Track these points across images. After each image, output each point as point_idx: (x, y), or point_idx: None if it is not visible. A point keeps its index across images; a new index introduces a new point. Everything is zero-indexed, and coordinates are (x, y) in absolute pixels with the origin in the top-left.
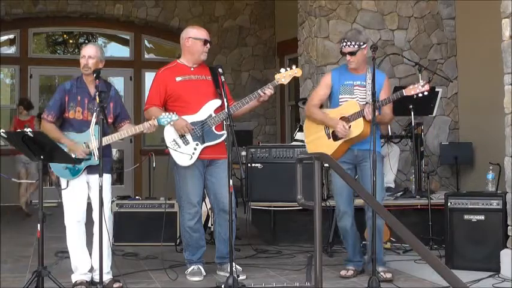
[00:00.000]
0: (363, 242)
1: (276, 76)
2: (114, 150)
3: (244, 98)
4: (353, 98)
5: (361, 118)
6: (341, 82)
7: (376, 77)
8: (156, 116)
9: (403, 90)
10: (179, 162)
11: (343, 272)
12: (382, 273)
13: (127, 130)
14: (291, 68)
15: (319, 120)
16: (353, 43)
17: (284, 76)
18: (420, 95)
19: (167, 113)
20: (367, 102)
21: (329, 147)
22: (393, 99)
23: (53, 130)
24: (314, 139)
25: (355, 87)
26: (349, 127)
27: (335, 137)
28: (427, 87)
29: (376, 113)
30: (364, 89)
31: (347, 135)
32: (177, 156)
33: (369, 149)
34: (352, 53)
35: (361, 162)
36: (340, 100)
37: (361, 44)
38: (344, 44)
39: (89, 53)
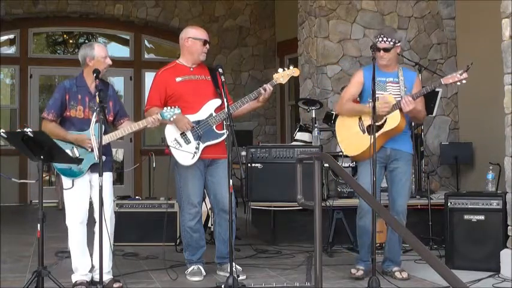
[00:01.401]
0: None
1: (274, 76)
2: (113, 150)
3: (244, 98)
4: (386, 94)
5: (398, 110)
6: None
7: (407, 75)
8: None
9: (441, 80)
10: (181, 161)
11: (353, 271)
12: (397, 273)
13: (130, 126)
14: (289, 68)
15: (353, 110)
16: (389, 39)
17: (282, 76)
18: (459, 83)
19: (170, 107)
20: (401, 97)
21: (364, 142)
22: (431, 89)
23: (56, 128)
24: (348, 137)
25: (387, 84)
26: (385, 120)
27: (370, 132)
28: (465, 75)
29: (412, 107)
30: (398, 85)
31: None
32: (178, 155)
33: (402, 150)
34: (386, 49)
35: (392, 164)
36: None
37: (396, 41)
38: (380, 39)
39: (107, 52)
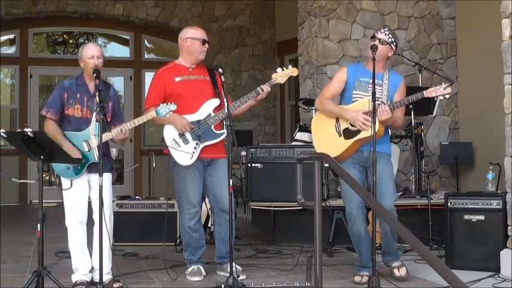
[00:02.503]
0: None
1: (272, 75)
2: (113, 150)
3: (242, 97)
4: (367, 95)
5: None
6: (356, 78)
7: (393, 78)
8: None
9: (424, 92)
10: (180, 161)
11: (357, 278)
12: (396, 270)
13: (126, 124)
14: (287, 68)
15: (333, 113)
16: (390, 35)
17: (281, 75)
18: (441, 97)
19: (165, 103)
20: (382, 102)
21: (339, 146)
22: (412, 100)
23: (55, 133)
24: (323, 136)
25: (370, 85)
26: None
27: (346, 135)
28: (449, 90)
29: (387, 117)
30: (381, 88)
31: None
32: (177, 155)
33: (380, 151)
34: (382, 42)
35: (371, 166)
36: (353, 96)
37: (394, 42)
38: (382, 30)
39: (97, 53)
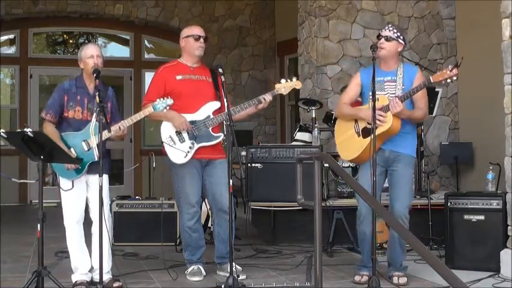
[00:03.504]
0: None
1: (276, 86)
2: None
3: (243, 103)
4: (383, 93)
5: (390, 112)
6: (371, 79)
7: (408, 71)
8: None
9: (431, 77)
10: (173, 159)
11: (357, 278)
12: (395, 278)
13: (124, 121)
14: (291, 80)
15: (350, 115)
16: (395, 30)
17: (284, 87)
18: (449, 80)
19: (162, 98)
20: (395, 96)
21: (358, 145)
22: (420, 88)
23: (53, 135)
24: (344, 139)
25: (385, 83)
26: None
27: (364, 134)
28: (455, 71)
29: (399, 109)
30: (394, 83)
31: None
32: (171, 152)
33: (402, 152)
34: (388, 38)
35: (392, 166)
36: (370, 96)
37: (401, 37)
38: (386, 27)
39: (96, 52)
